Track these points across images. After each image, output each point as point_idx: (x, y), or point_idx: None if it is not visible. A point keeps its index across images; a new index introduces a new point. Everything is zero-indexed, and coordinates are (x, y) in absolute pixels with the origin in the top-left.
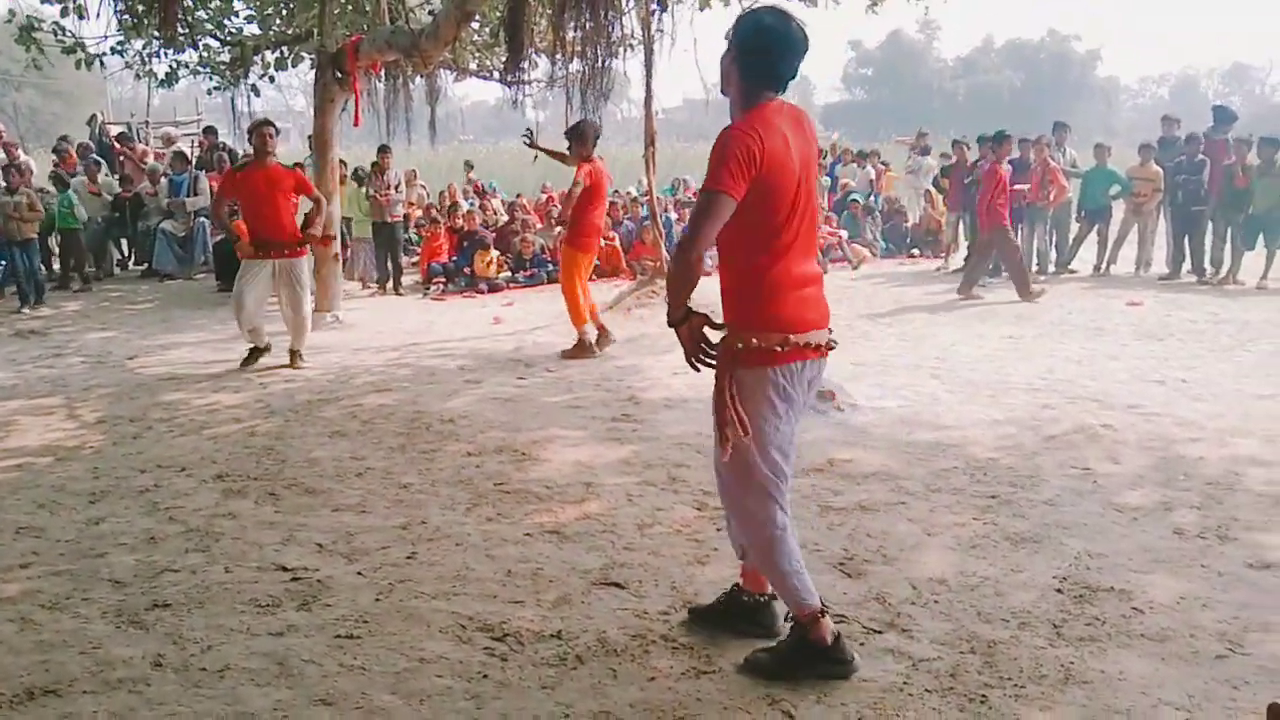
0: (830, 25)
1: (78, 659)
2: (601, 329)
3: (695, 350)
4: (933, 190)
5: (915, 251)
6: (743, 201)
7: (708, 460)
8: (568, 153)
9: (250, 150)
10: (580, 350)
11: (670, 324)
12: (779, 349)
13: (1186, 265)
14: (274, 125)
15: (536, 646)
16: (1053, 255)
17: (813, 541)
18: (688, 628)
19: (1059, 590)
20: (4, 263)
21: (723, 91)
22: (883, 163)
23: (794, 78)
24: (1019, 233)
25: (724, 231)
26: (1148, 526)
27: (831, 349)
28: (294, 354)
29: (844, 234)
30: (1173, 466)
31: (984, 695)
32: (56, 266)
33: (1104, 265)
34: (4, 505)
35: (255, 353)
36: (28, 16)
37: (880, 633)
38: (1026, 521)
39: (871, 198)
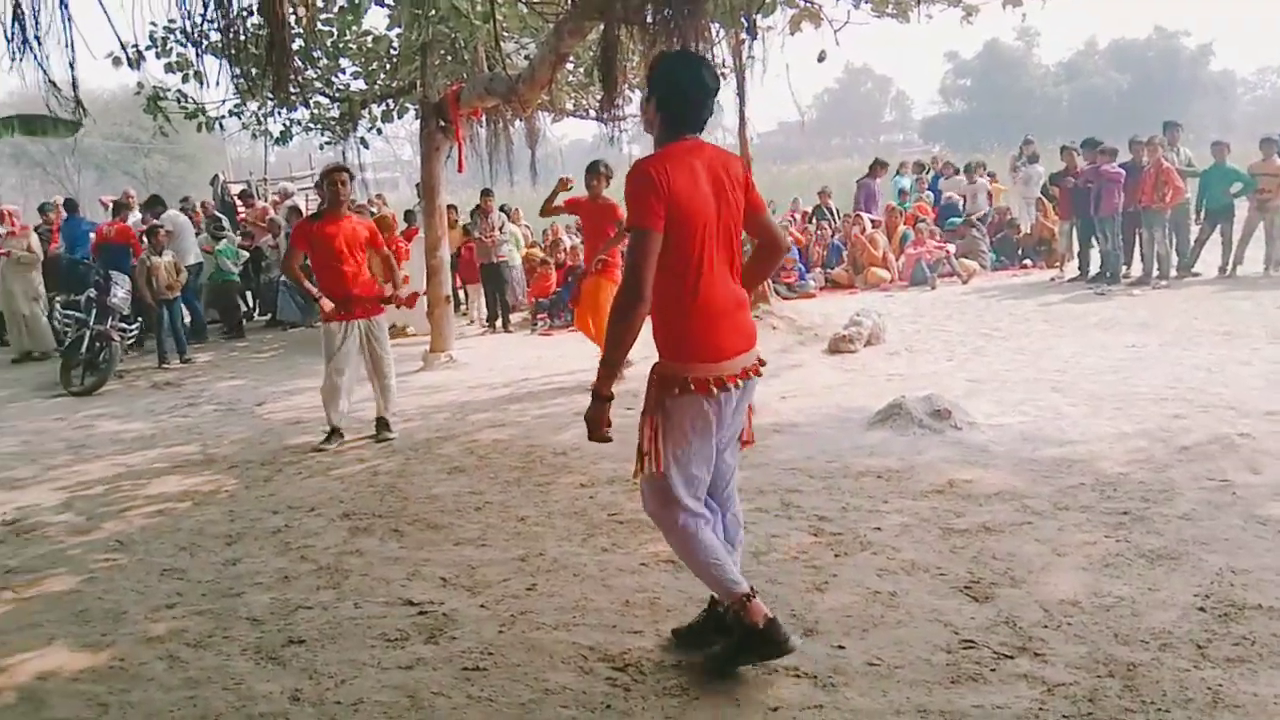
0: (925, 39)
1: (221, 694)
2: None
3: (599, 431)
4: (1044, 199)
5: (1027, 262)
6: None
7: (821, 484)
8: (588, 190)
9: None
10: None
11: (598, 393)
12: (705, 378)
13: None
14: (348, 170)
15: (658, 676)
16: (1174, 259)
17: (935, 565)
18: (802, 653)
19: (1201, 609)
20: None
21: (646, 131)
22: (989, 173)
23: (709, 116)
24: (1137, 237)
25: None
26: None
27: (760, 369)
28: (383, 422)
29: (951, 249)
30: None
31: None
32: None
33: (1230, 266)
34: (149, 549)
35: (336, 434)
36: (154, 87)
37: (1011, 658)
38: (1162, 538)
39: (961, 205)
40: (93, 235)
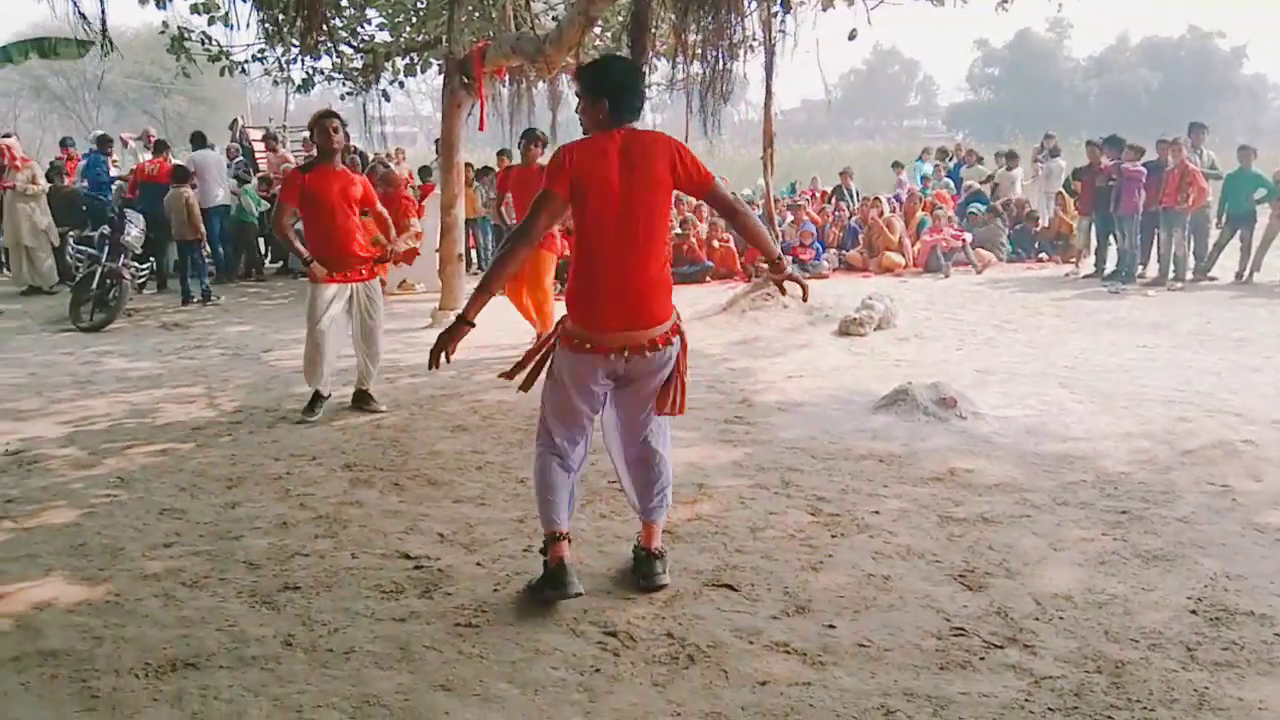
0: (956, 25)
1: (215, 635)
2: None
3: (441, 347)
4: (1064, 193)
5: (1044, 255)
6: (570, 201)
7: (822, 465)
8: (523, 158)
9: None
10: None
11: (462, 315)
12: (572, 336)
13: None
14: (339, 116)
15: (649, 644)
16: (1191, 261)
17: (931, 552)
18: (792, 630)
19: (1193, 612)
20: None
21: (584, 127)
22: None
23: (641, 105)
24: (1155, 237)
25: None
26: None
27: (650, 349)
28: (364, 394)
29: (968, 238)
30: None
31: (1110, 716)
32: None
33: (1247, 273)
34: (150, 488)
35: (319, 399)
36: (179, 28)
37: (1001, 648)
38: (1159, 539)
39: (989, 194)
40: (120, 174)
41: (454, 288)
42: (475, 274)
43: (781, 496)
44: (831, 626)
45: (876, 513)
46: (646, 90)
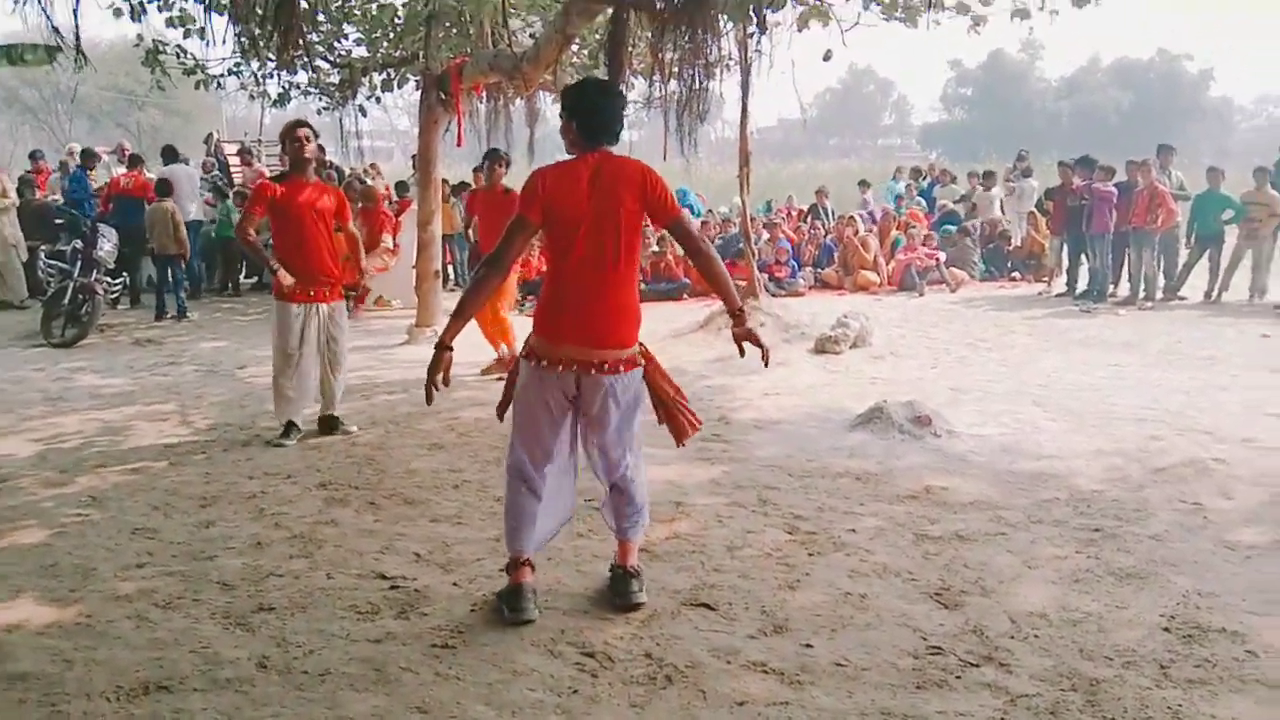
0: (930, 45)
1: (189, 657)
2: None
3: (431, 379)
4: (1035, 213)
5: (1016, 275)
6: (542, 225)
7: (799, 483)
8: (487, 179)
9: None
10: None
11: (440, 342)
12: (534, 348)
13: None
14: (310, 125)
15: (626, 664)
16: (1161, 281)
17: (907, 570)
18: (770, 650)
19: (1166, 629)
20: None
21: (567, 149)
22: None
23: (616, 131)
24: (1126, 257)
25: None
26: (1263, 566)
27: (599, 370)
28: (333, 420)
29: (942, 256)
30: None
31: None
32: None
33: (1215, 293)
34: (122, 507)
35: (293, 428)
36: (154, 41)
37: (977, 666)
38: (1132, 557)
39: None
40: (95, 188)
41: (430, 304)
42: (452, 290)
43: (759, 515)
44: (809, 646)
45: (853, 531)
46: (623, 114)
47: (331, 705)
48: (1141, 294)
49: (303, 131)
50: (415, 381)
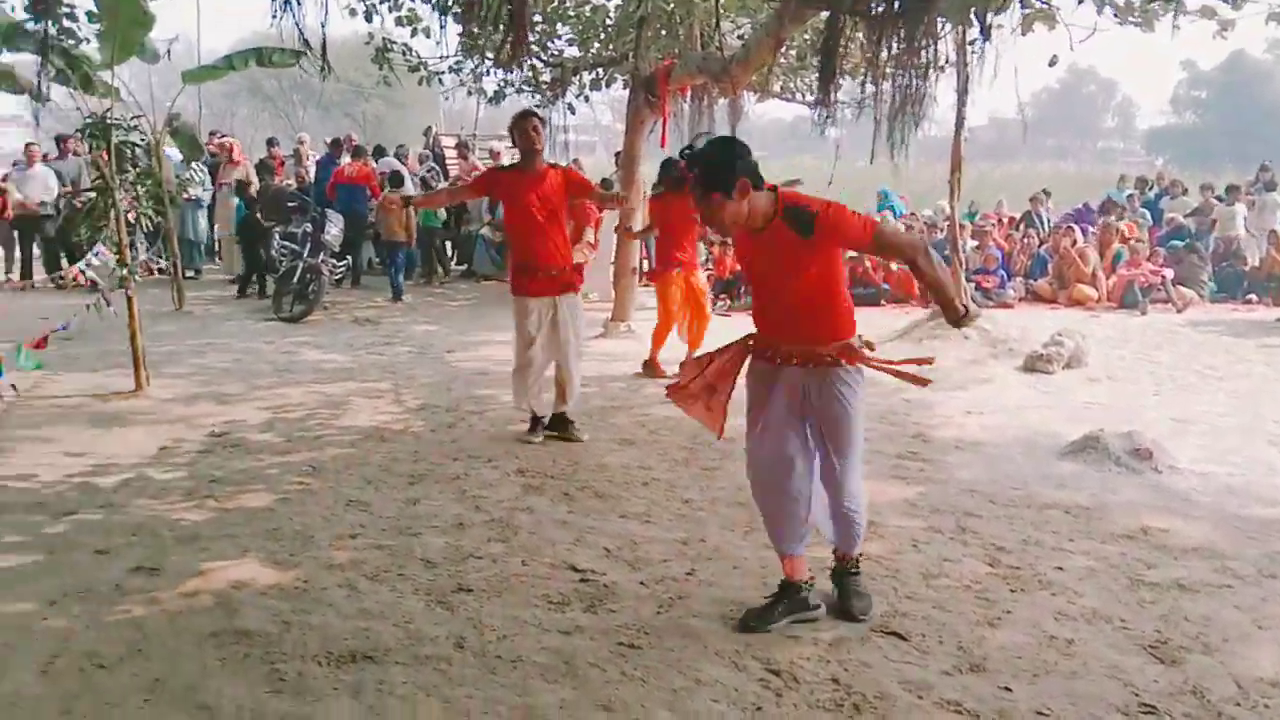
0: (1159, 45)
1: (392, 630)
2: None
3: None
4: (1277, 231)
5: (1252, 297)
6: None
7: (1002, 512)
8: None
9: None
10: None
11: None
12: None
13: None
14: (539, 116)
15: (812, 687)
16: None
17: (1120, 618)
18: (965, 689)
19: None
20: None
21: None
22: (1217, 198)
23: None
24: None
25: None
26: None
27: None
28: (564, 419)
29: (1168, 274)
30: None
31: None
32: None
33: None
34: (339, 478)
35: (539, 423)
36: (383, 38)
37: None
38: None
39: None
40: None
41: (626, 300)
42: (646, 286)
43: (957, 543)
44: (1008, 689)
45: (1060, 569)
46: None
47: (522, 693)
48: None
49: (533, 123)
50: (610, 376)
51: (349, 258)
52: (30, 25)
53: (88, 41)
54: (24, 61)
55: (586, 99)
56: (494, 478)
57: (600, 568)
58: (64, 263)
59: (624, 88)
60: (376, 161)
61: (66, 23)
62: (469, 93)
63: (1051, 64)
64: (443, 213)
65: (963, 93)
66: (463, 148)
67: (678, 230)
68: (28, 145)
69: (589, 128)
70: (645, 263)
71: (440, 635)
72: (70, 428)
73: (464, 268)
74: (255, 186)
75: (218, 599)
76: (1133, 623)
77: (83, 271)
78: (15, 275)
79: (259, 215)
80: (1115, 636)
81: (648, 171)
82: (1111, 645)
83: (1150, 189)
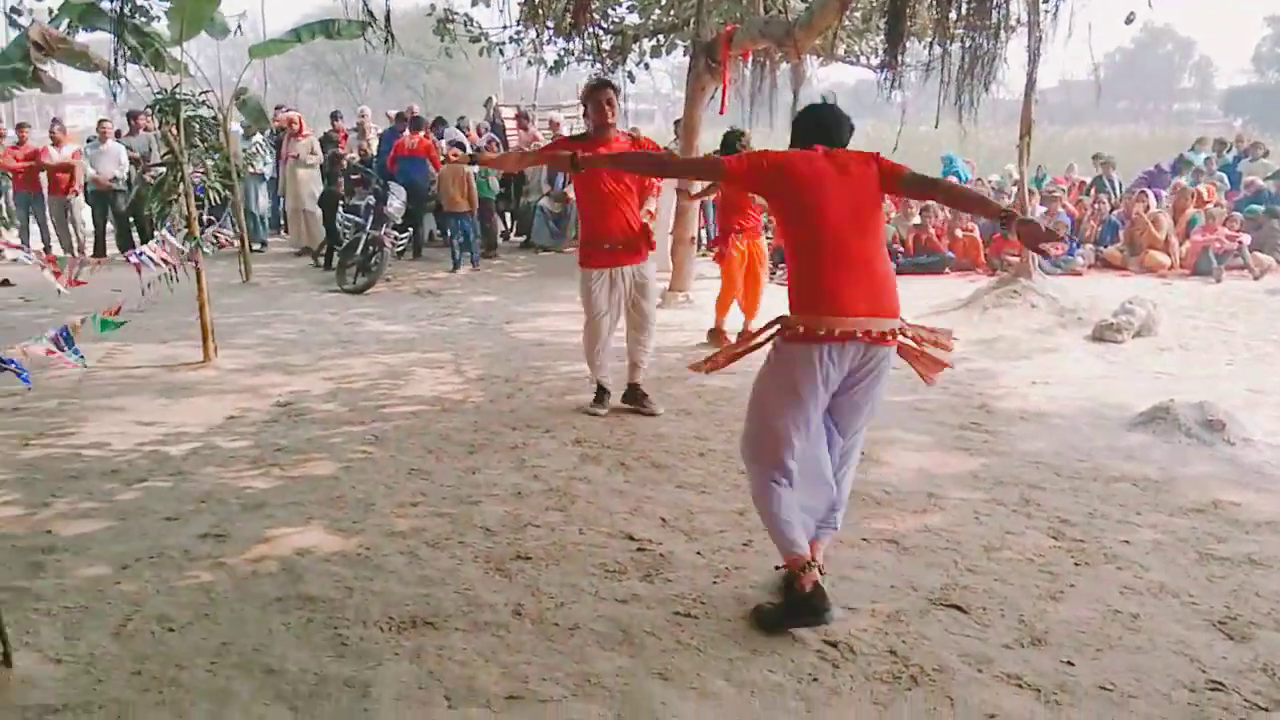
0: (1243, 2)
1: (452, 597)
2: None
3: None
4: None
5: None
6: None
7: (1067, 484)
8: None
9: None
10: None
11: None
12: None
13: None
14: (614, 86)
15: (869, 659)
16: None
17: (1188, 592)
18: (1026, 663)
19: None
20: (410, 230)
21: None
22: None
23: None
24: None
25: None
26: None
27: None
28: (637, 390)
29: (1245, 239)
30: None
31: None
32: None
33: None
34: (401, 447)
35: (605, 393)
36: (445, 10)
37: (1266, 710)
38: None
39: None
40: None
41: (684, 270)
42: (704, 255)
43: (1020, 515)
44: (1070, 663)
45: (1127, 542)
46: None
47: (579, 660)
48: None
49: (608, 94)
50: (667, 347)
51: (410, 230)
52: (105, 4)
53: (158, 19)
54: (98, 40)
55: (647, 66)
56: (551, 447)
57: (657, 537)
58: (135, 236)
59: (684, 54)
60: (438, 135)
61: (139, 1)
62: (529, 63)
63: (1128, 21)
64: (496, 184)
65: (1034, 53)
66: (522, 118)
67: (740, 196)
68: (100, 122)
69: (648, 96)
70: (704, 232)
71: (499, 602)
72: (141, 397)
73: (523, 239)
74: (319, 159)
75: (283, 565)
76: (1201, 598)
77: (219, 234)
78: (89, 251)
79: (338, 187)
80: (1183, 612)
81: (708, 140)
82: (1178, 620)
83: (1228, 151)
